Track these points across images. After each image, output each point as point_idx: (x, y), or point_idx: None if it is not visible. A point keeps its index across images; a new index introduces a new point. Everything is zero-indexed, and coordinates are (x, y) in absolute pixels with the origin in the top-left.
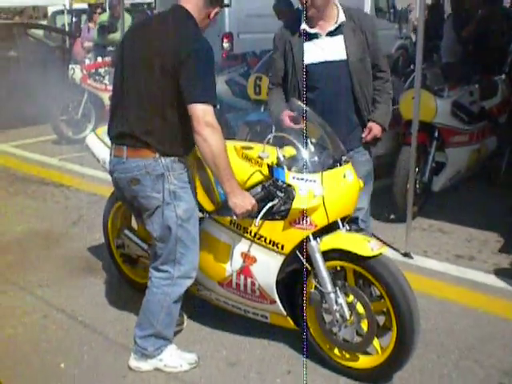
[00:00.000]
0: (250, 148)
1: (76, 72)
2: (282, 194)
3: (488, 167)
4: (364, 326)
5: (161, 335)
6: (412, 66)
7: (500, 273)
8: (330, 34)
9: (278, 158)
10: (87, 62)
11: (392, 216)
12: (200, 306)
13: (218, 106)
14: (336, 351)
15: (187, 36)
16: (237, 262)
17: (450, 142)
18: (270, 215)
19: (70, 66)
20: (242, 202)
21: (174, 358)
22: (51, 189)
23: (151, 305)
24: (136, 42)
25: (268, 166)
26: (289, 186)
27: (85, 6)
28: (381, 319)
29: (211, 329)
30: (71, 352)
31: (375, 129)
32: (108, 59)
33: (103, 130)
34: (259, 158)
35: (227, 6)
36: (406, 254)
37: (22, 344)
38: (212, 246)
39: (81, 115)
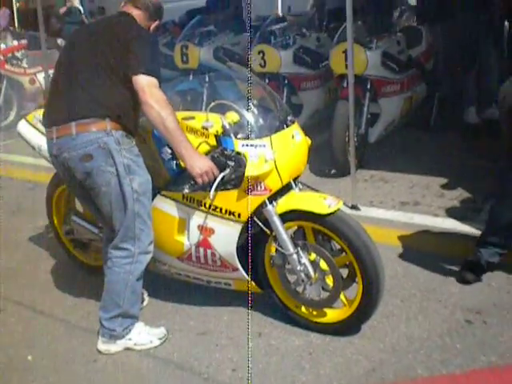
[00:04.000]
0: (191, 118)
1: None
2: (232, 163)
3: (418, 114)
4: (329, 281)
5: (127, 314)
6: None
7: (446, 214)
8: None
9: (223, 127)
10: (2, 46)
11: (333, 171)
12: (159, 282)
13: None
14: (303, 309)
15: (132, 24)
16: (194, 235)
17: (383, 92)
18: (222, 185)
19: None
20: (200, 163)
21: (143, 336)
22: None
23: (115, 285)
24: (83, 33)
25: (215, 136)
26: (238, 153)
27: None
28: (343, 272)
29: (174, 303)
30: (36, 343)
31: None
32: (24, 42)
33: (34, 115)
34: (203, 128)
35: None
36: (353, 207)
37: None
38: (166, 222)
39: (2, 102)
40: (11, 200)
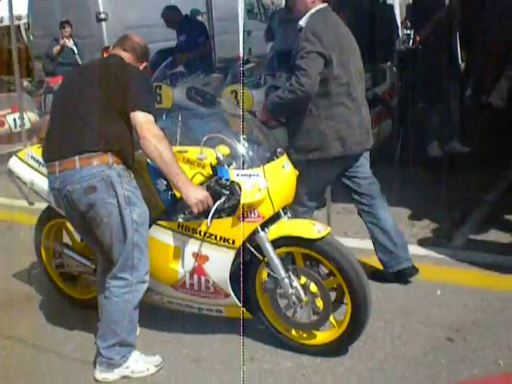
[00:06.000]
0: (184, 151)
1: None
2: (227, 192)
3: (384, 149)
4: (319, 303)
5: (125, 342)
6: None
7: (417, 242)
8: None
9: (217, 158)
10: None
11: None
12: (150, 312)
13: None
14: (293, 332)
15: (126, 64)
16: (189, 263)
17: None
18: (217, 213)
19: None
20: (195, 193)
21: (140, 363)
22: None
23: (114, 314)
24: (80, 72)
25: (211, 165)
26: (232, 182)
27: None
28: (331, 295)
29: (165, 332)
30: (31, 376)
31: None
32: None
33: (25, 152)
34: (198, 159)
35: (104, 20)
36: None
37: None
38: (161, 251)
39: None
40: None
